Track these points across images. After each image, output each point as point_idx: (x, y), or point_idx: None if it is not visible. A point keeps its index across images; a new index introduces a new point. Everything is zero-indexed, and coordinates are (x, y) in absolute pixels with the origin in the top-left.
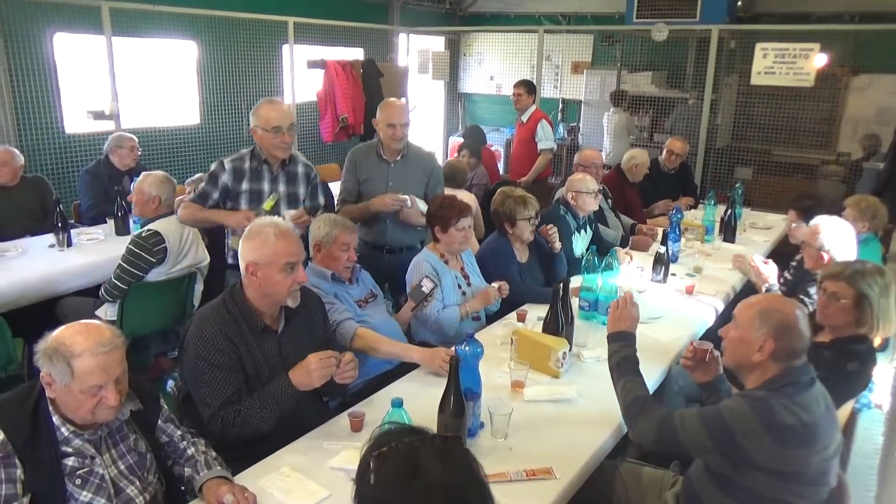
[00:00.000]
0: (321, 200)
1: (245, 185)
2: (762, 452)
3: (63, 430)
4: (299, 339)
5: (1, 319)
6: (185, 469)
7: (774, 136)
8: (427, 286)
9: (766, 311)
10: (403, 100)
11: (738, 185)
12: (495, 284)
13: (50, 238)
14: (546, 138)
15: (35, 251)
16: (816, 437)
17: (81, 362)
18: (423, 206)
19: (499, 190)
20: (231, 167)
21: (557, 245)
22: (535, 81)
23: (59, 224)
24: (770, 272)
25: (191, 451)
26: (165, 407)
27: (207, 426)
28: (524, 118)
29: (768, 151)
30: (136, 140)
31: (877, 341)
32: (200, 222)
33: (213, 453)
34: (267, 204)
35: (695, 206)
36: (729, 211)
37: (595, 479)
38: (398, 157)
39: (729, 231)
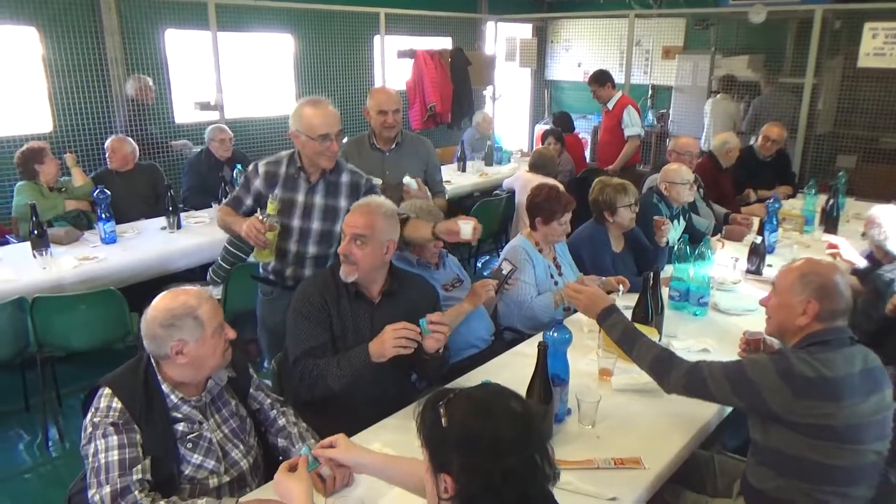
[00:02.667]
0: None
1: (276, 192)
2: (779, 401)
3: (172, 397)
4: (395, 316)
5: (120, 295)
6: (279, 440)
7: (883, 121)
8: (505, 268)
9: (806, 274)
10: (391, 88)
11: (841, 173)
12: (619, 287)
13: (162, 221)
14: (633, 124)
15: (149, 233)
16: (837, 393)
17: (204, 310)
18: (427, 191)
19: (596, 179)
20: (264, 171)
21: (664, 240)
22: (624, 67)
23: (170, 208)
24: (851, 254)
25: (281, 421)
26: (255, 375)
27: (289, 371)
28: (610, 105)
29: (875, 138)
30: (229, 132)
31: None
32: (226, 229)
33: (304, 425)
34: (270, 208)
35: (793, 196)
36: (831, 201)
37: (691, 464)
38: (392, 146)
39: (830, 222)
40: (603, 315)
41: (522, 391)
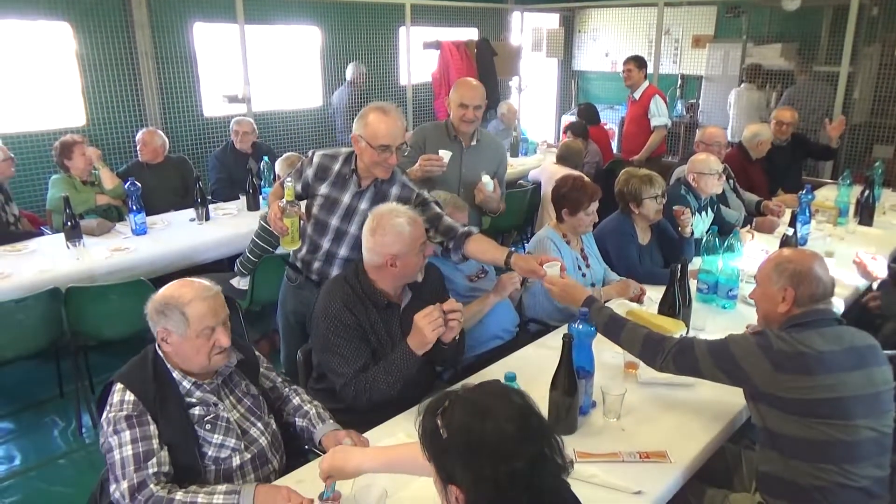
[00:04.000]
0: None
1: (324, 189)
2: (760, 374)
3: (185, 383)
4: (422, 308)
5: (150, 286)
6: (296, 419)
7: None
8: (554, 266)
9: (781, 263)
10: (476, 82)
11: (877, 163)
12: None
13: (191, 213)
14: (659, 114)
15: (178, 224)
16: (815, 368)
17: (193, 308)
18: (491, 186)
19: (623, 170)
20: (319, 162)
21: (689, 230)
22: (652, 57)
23: (199, 200)
24: (878, 268)
25: (296, 400)
26: (262, 357)
27: (340, 393)
28: (636, 95)
29: None
30: (248, 124)
31: None
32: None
33: (318, 403)
34: (288, 193)
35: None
36: (866, 192)
37: (715, 460)
38: (473, 142)
39: (866, 213)
40: (584, 306)
41: (547, 383)
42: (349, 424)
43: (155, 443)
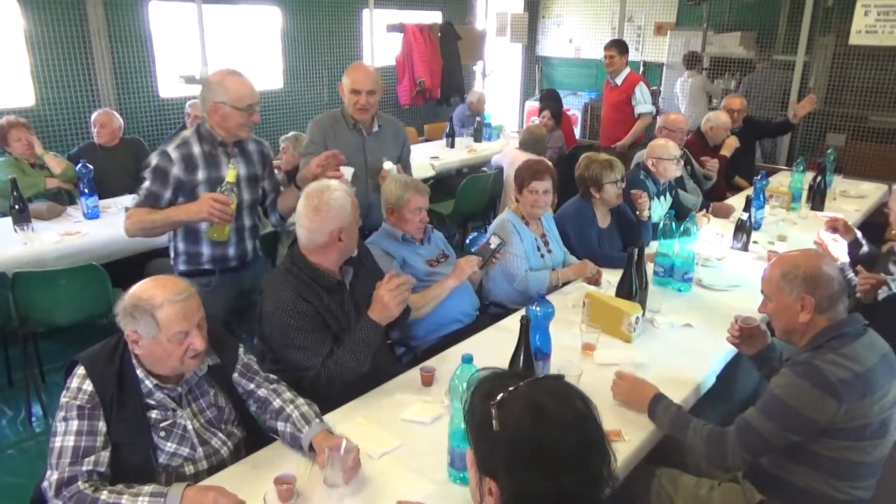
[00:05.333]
0: (278, 178)
1: (201, 175)
2: (828, 416)
3: (147, 382)
4: (366, 286)
5: (102, 270)
6: (279, 423)
7: (873, 100)
8: (494, 242)
9: (788, 271)
10: (371, 66)
11: (830, 150)
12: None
13: None
14: (645, 102)
15: None
16: (871, 386)
17: (164, 312)
18: (395, 171)
19: (583, 155)
20: (179, 156)
21: (646, 213)
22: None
23: None
24: (839, 249)
25: (277, 402)
26: (244, 358)
27: (312, 384)
28: (618, 80)
29: (865, 117)
30: (199, 107)
31: None
32: (155, 229)
33: (302, 400)
34: (230, 175)
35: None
36: (819, 178)
37: (669, 440)
38: (374, 128)
39: (818, 199)
40: (651, 408)
41: (505, 365)
42: None
43: (99, 440)
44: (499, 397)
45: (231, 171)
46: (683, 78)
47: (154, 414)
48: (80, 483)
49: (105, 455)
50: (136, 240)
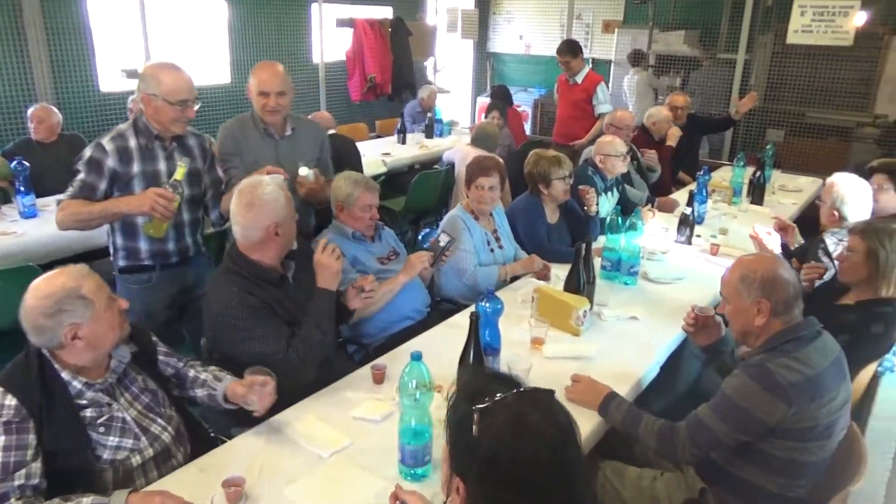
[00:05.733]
0: (220, 173)
1: (136, 168)
2: (776, 417)
3: (75, 383)
4: (310, 278)
5: (40, 271)
6: (197, 391)
7: (809, 97)
8: (443, 240)
9: (746, 275)
10: (279, 66)
11: (769, 146)
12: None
13: None
14: (606, 101)
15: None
16: (820, 389)
17: (87, 287)
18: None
19: (532, 152)
20: (114, 148)
21: (594, 208)
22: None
23: None
24: (773, 243)
25: (192, 373)
26: (159, 343)
27: (283, 368)
28: (578, 79)
29: (802, 113)
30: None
31: None
32: (92, 220)
33: (213, 367)
34: (179, 172)
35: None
36: (758, 173)
37: (615, 432)
38: (287, 132)
39: (757, 193)
40: (603, 406)
41: (455, 361)
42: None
43: (29, 453)
44: (483, 403)
45: (180, 169)
46: (630, 75)
47: (89, 412)
48: (12, 500)
49: (36, 467)
50: (77, 240)
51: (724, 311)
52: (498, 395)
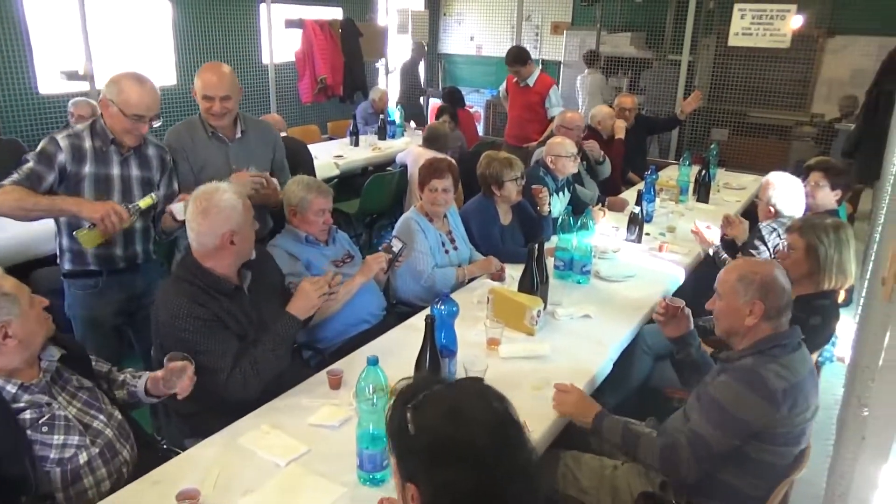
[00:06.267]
0: (176, 187)
1: (88, 169)
2: (762, 419)
3: (9, 387)
4: (266, 288)
5: None
6: (116, 392)
7: (750, 97)
8: (396, 246)
9: (745, 275)
10: (226, 67)
11: (713, 145)
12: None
13: None
14: (558, 104)
15: None
16: (799, 398)
17: (8, 285)
18: (278, 185)
19: (484, 153)
20: (68, 144)
21: (546, 208)
22: (514, 42)
23: None
24: (713, 236)
25: (120, 378)
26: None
27: (226, 387)
28: (530, 81)
29: (744, 113)
30: (90, 106)
31: (841, 297)
32: (34, 211)
33: (129, 369)
34: (144, 202)
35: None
36: (703, 171)
37: (572, 427)
38: (237, 135)
39: (703, 191)
40: (596, 425)
41: (412, 364)
42: (213, 419)
43: None
44: (414, 401)
45: (148, 200)
46: (584, 74)
47: (28, 415)
48: None
49: None
50: (16, 249)
51: (714, 307)
52: (426, 391)
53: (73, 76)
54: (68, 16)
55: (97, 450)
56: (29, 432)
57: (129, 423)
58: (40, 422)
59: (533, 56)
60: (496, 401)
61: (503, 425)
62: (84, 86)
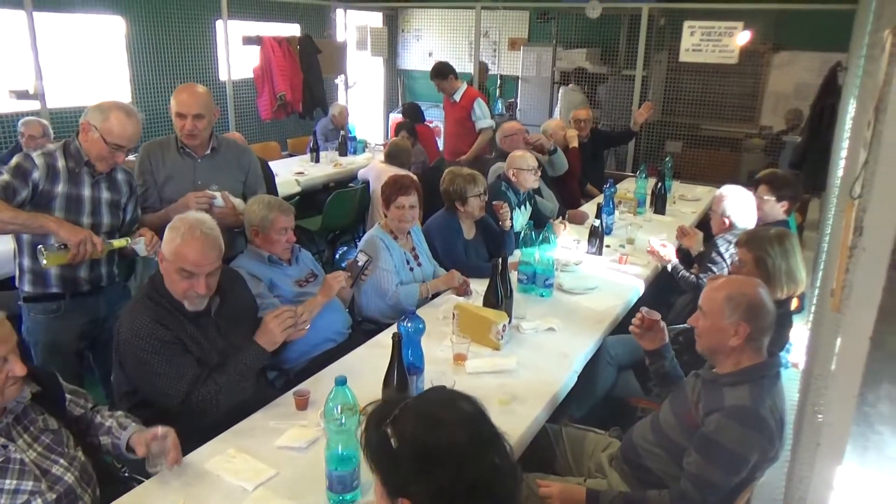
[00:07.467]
0: (139, 212)
1: (60, 188)
2: (762, 455)
3: None
4: (235, 314)
5: None
6: (101, 438)
7: (702, 110)
8: (361, 259)
9: (733, 296)
10: (201, 88)
11: (667, 158)
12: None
13: None
14: (484, 116)
15: None
16: (782, 432)
17: None
18: (240, 205)
19: (447, 170)
20: (43, 163)
21: (508, 223)
22: (472, 57)
23: None
24: (669, 252)
25: (97, 419)
26: (64, 384)
27: (181, 412)
28: (456, 97)
29: (697, 126)
30: (41, 126)
31: (793, 304)
32: (10, 225)
33: (119, 412)
34: (120, 242)
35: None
36: (659, 184)
37: (538, 441)
38: (207, 151)
39: (660, 203)
40: (590, 501)
41: (380, 382)
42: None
43: None
44: (391, 417)
45: (121, 241)
46: (566, 89)
47: None
48: None
49: None
50: None
51: (698, 324)
52: (399, 406)
53: (22, 95)
54: (17, 33)
55: (54, 496)
56: None
57: (93, 461)
58: None
59: (491, 70)
60: (464, 401)
61: (476, 421)
62: (34, 105)
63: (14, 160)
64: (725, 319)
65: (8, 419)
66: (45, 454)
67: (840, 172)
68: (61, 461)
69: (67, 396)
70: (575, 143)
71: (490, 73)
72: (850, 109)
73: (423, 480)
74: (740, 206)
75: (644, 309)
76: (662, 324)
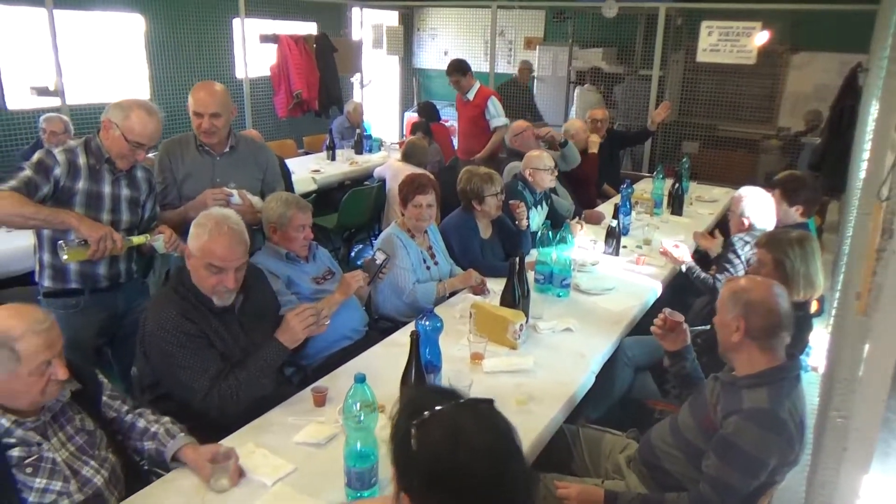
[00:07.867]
0: (158, 209)
1: (81, 185)
2: (781, 458)
3: (3, 421)
4: (258, 311)
5: None
6: (145, 443)
7: (719, 111)
8: (379, 258)
9: (736, 292)
10: (218, 86)
11: (684, 159)
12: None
13: None
14: (498, 115)
15: None
16: (802, 436)
17: (25, 343)
18: (258, 203)
19: (464, 169)
20: (65, 159)
21: (525, 223)
22: (488, 56)
23: None
24: (682, 254)
25: (141, 423)
26: (107, 382)
27: (202, 407)
28: (470, 96)
29: (714, 126)
30: (62, 122)
31: (813, 307)
32: (32, 220)
33: (166, 418)
34: (139, 239)
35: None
36: (676, 184)
37: (556, 441)
38: (226, 149)
39: (677, 204)
40: (608, 502)
41: (397, 380)
42: (197, 438)
43: None
44: (421, 417)
45: (140, 238)
46: (582, 89)
47: (16, 452)
48: None
49: None
50: None
51: (716, 320)
52: (436, 407)
53: (42, 92)
54: (38, 31)
55: (82, 497)
56: (14, 471)
57: (124, 461)
58: (26, 461)
59: (506, 70)
60: (502, 429)
61: (504, 457)
62: (55, 101)
63: (36, 156)
64: (728, 314)
65: (46, 417)
66: (76, 454)
67: (862, 174)
68: (92, 463)
69: (104, 399)
70: (595, 150)
71: (504, 71)
72: (871, 111)
73: (426, 494)
74: (759, 206)
75: (667, 310)
76: (685, 325)
